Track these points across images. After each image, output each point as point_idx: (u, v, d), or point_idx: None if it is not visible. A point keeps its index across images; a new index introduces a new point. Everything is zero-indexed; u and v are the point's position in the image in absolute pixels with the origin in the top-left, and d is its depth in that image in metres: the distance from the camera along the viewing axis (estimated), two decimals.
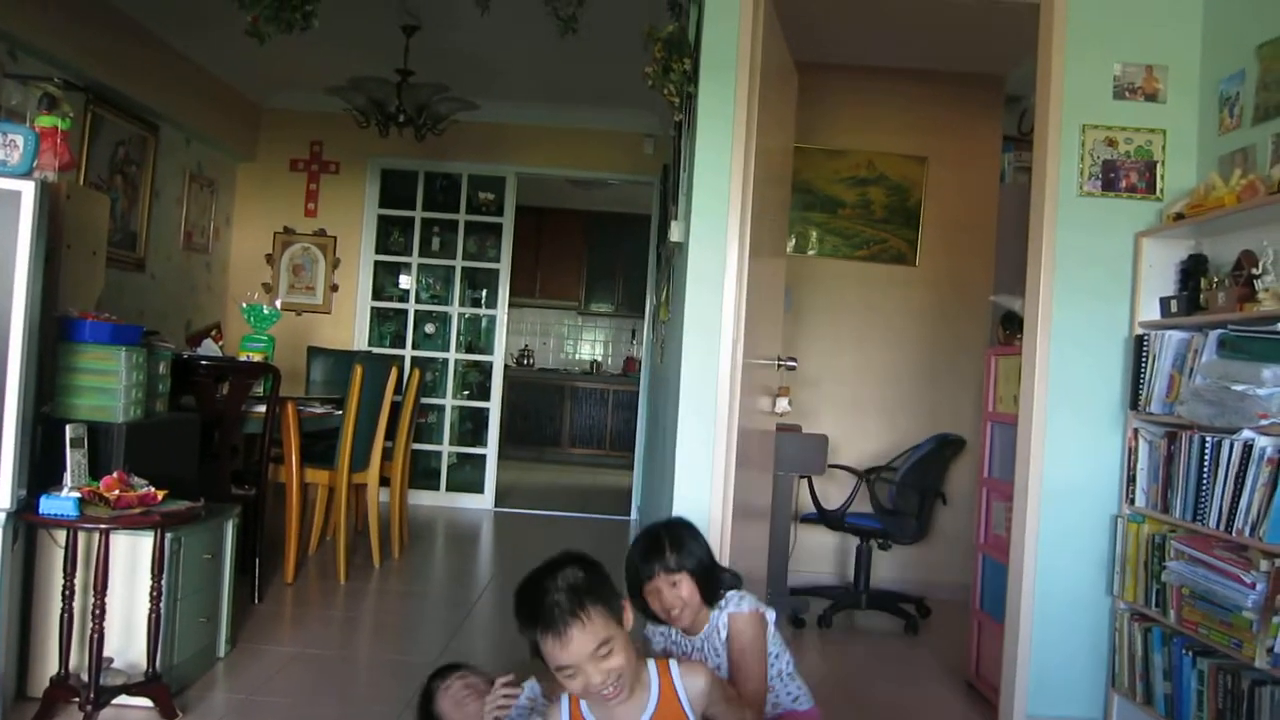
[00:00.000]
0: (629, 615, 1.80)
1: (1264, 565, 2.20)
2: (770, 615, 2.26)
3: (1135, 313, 2.83)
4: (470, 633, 3.67)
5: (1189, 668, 2.47)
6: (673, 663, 1.82)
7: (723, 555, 3.06)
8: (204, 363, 3.77)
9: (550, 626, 1.65)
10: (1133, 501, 2.77)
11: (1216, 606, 2.34)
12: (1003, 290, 3.61)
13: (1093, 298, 2.87)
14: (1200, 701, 2.42)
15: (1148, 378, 2.73)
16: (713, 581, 2.23)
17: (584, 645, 1.63)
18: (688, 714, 1.76)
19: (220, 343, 4.26)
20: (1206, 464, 2.41)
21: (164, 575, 2.53)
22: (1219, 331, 2.46)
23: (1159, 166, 2.90)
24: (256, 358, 4.06)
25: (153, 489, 2.48)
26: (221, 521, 3.04)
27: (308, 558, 4.61)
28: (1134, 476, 2.77)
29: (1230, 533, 2.31)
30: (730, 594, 2.25)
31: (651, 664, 1.79)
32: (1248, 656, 2.22)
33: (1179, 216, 2.72)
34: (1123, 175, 2.91)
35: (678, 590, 2.17)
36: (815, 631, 4.01)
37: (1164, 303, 2.78)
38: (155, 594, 2.50)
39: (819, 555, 4.82)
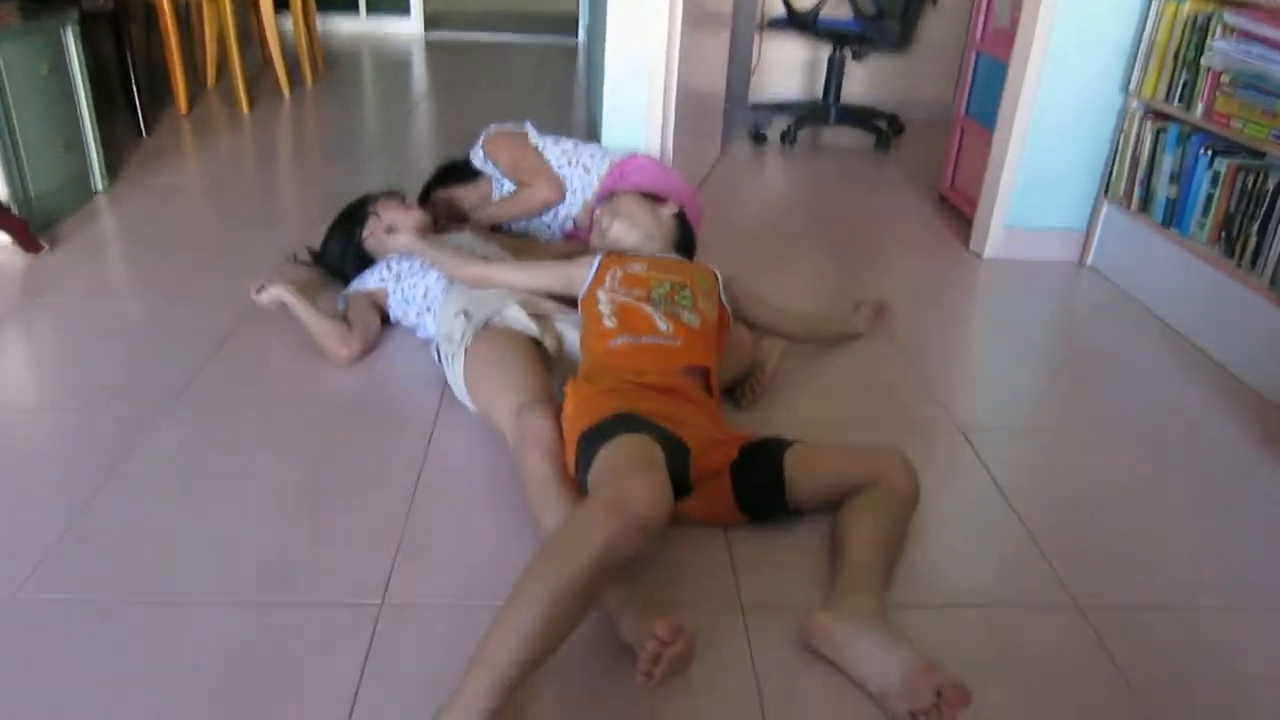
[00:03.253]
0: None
1: None
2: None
3: None
4: (400, 149, 3.28)
5: (1204, 168, 2.16)
6: None
7: (672, 68, 2.58)
8: None
9: None
10: None
11: (1266, 94, 1.96)
12: None
13: None
14: (1208, 205, 2.15)
15: None
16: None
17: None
18: None
19: None
20: None
21: None
22: None
23: None
24: None
25: None
26: (56, 28, 2.46)
27: (206, 92, 4.06)
28: None
29: None
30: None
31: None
32: None
33: None
34: None
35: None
36: (778, 148, 3.67)
37: None
38: None
39: (785, 69, 4.33)
